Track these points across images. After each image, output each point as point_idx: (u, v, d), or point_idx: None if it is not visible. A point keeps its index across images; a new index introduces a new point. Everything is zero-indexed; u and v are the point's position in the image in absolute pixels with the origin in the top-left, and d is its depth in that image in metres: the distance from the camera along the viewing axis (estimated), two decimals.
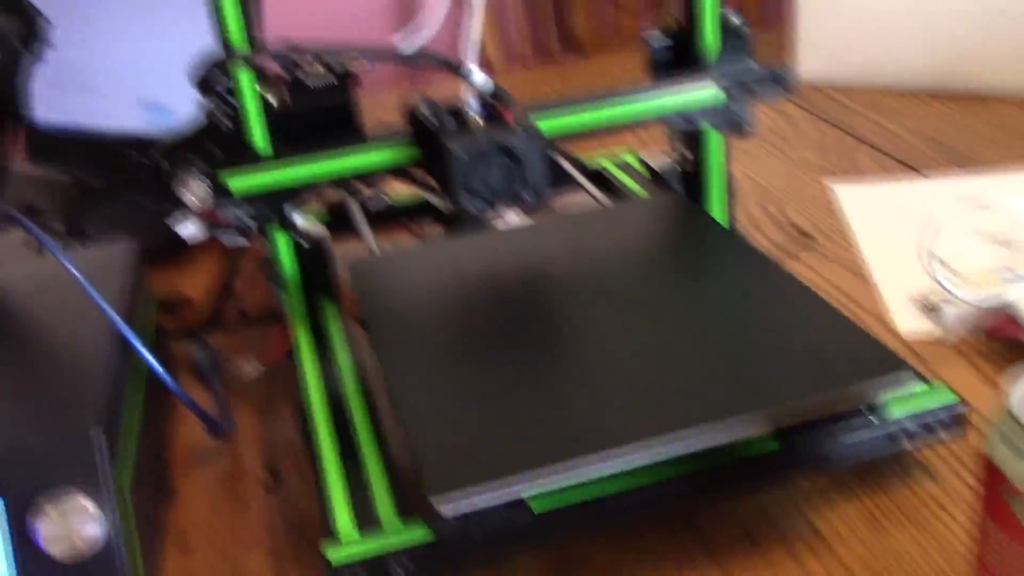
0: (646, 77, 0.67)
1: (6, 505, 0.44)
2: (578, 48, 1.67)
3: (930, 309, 0.64)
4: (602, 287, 0.58)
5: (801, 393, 0.46)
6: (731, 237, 0.62)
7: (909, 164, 0.90)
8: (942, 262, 0.67)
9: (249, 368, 0.63)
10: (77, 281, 0.52)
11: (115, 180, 0.91)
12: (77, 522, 0.43)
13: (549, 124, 0.61)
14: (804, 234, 0.79)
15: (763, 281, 0.56)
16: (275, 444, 0.62)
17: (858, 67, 1.09)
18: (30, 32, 0.54)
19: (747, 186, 0.89)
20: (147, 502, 0.52)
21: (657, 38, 0.67)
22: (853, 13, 1.07)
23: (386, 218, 0.80)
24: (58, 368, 0.51)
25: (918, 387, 0.50)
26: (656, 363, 0.50)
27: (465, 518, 0.44)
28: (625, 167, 0.84)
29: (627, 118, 0.64)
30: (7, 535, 0.44)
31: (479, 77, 0.57)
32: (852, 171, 0.90)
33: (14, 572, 0.43)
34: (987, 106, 1.00)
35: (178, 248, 0.83)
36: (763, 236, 0.80)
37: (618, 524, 0.50)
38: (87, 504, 0.43)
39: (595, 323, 0.54)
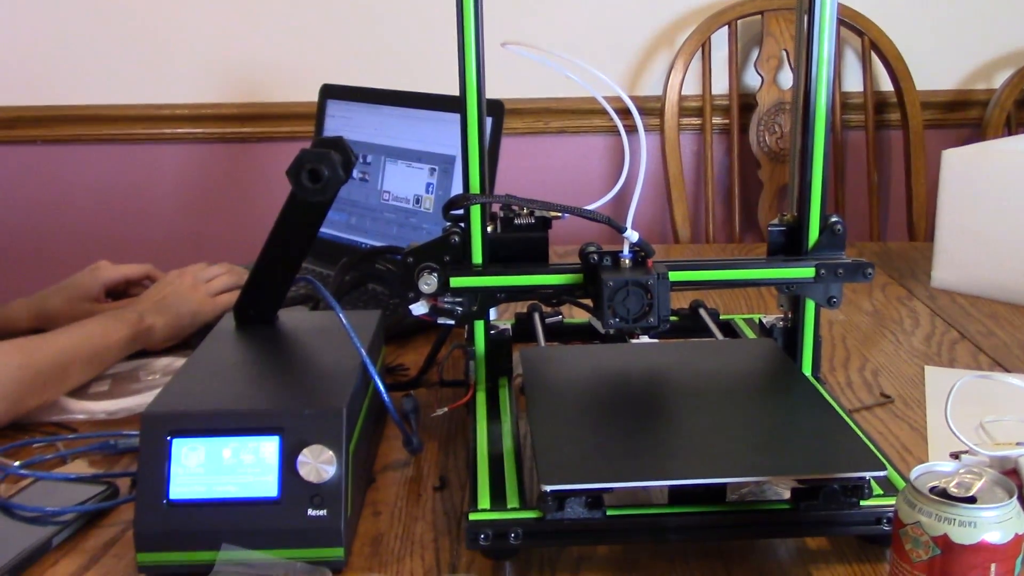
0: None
1: (282, 442, 0.70)
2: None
3: (955, 457, 0.82)
4: (695, 390, 0.81)
5: (803, 468, 0.67)
6: (800, 376, 0.84)
7: (999, 362, 1.07)
8: (985, 430, 0.85)
9: (439, 411, 0.89)
10: (344, 328, 0.80)
11: (367, 276, 1.21)
12: (323, 463, 0.69)
13: (677, 274, 0.85)
14: (886, 396, 0.98)
15: (809, 405, 0.77)
16: (446, 464, 0.87)
17: (985, 282, 1.27)
18: (347, 163, 0.84)
19: (854, 357, 1.09)
20: (360, 472, 0.77)
21: (776, 226, 0.91)
22: (986, 236, 1.26)
23: (558, 333, 1.06)
24: (327, 374, 0.79)
25: None
26: (713, 440, 0.72)
27: (561, 505, 0.67)
28: (750, 323, 1.07)
29: (737, 280, 0.87)
30: (279, 461, 0.70)
31: (632, 233, 0.82)
32: (949, 361, 1.08)
33: (278, 484, 0.69)
34: None
35: (402, 331, 1.12)
36: (852, 394, 0.99)
37: (669, 542, 0.71)
38: (331, 454, 0.69)
39: (683, 411, 0.77)
